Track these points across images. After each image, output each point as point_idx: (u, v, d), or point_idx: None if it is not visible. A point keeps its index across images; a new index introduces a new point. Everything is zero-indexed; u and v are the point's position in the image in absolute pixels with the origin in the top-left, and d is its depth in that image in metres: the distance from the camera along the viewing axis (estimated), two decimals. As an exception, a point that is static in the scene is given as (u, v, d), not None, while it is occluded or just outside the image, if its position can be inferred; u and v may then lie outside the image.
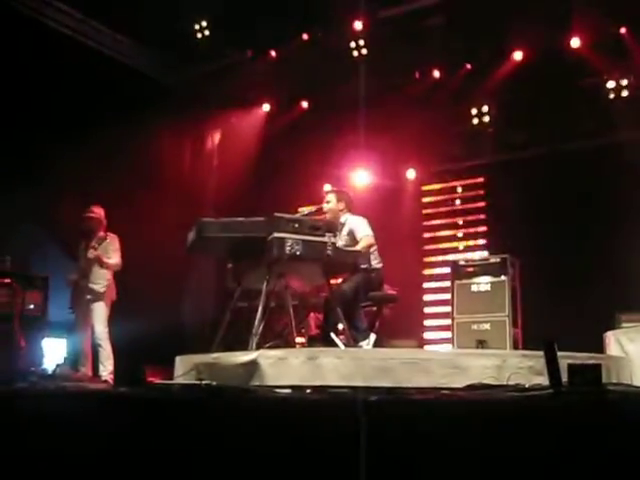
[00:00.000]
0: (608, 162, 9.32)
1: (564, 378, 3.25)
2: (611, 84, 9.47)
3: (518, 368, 4.32)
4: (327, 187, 7.15)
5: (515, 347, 8.30)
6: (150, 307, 9.50)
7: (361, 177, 10.76)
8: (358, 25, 9.81)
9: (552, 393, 3.18)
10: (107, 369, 7.85)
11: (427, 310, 10.65)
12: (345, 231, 6.87)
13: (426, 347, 9.89)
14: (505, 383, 3.83)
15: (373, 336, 6.59)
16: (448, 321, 9.06)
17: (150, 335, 8.65)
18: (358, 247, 6.54)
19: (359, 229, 6.85)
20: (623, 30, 9.16)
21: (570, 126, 9.84)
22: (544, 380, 3.48)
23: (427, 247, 10.97)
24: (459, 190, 10.94)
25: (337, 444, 2.79)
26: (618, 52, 9.22)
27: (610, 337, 7.18)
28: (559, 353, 4.61)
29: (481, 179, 10.77)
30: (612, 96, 9.51)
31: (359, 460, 2.71)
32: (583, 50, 9.30)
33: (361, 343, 6.30)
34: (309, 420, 2.93)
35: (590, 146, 9.71)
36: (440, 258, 10.67)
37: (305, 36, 10.15)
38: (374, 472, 2.71)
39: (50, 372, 7.94)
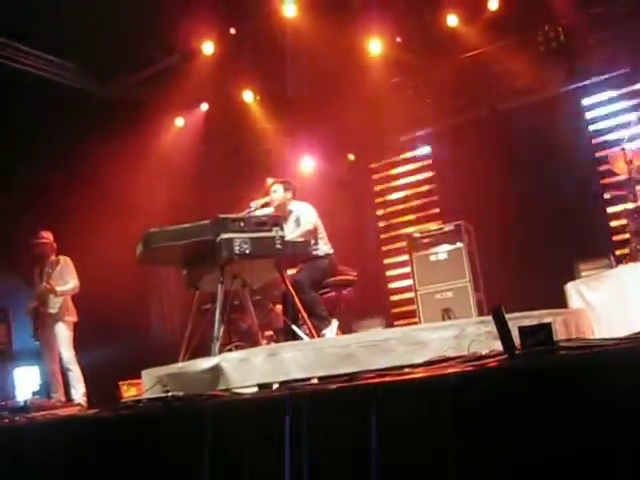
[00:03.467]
0: (548, 115, 9.44)
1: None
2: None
3: (477, 335, 4.34)
4: (270, 180, 7.12)
5: (480, 311, 8.38)
6: (117, 323, 9.43)
7: (307, 164, 10.75)
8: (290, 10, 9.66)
9: (505, 358, 3.20)
10: (79, 392, 7.83)
11: (391, 286, 10.69)
12: (293, 219, 6.90)
13: (395, 323, 9.95)
14: (463, 353, 3.86)
15: (335, 322, 6.60)
16: (412, 294, 9.10)
17: (121, 351, 8.62)
18: (299, 232, 6.60)
19: (304, 216, 6.89)
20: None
21: (507, 85, 9.91)
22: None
23: (382, 224, 11.00)
24: (406, 164, 10.97)
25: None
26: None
27: (570, 289, 7.25)
28: (516, 314, 4.67)
29: (426, 149, 10.80)
30: (542, 49, 9.61)
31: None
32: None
33: (324, 331, 6.30)
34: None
35: (530, 102, 9.81)
36: (395, 233, 10.69)
37: (233, 30, 10.06)
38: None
39: (22, 404, 7.87)
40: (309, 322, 5.95)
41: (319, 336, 6.10)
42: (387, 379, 3.25)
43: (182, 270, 6.19)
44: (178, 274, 8.93)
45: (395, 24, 9.94)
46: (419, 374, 3.27)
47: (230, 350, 5.12)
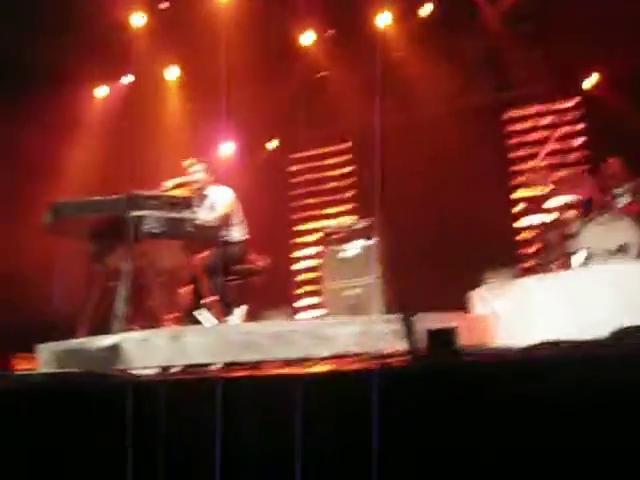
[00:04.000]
0: (470, 124, 9.59)
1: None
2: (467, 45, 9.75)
3: (383, 333, 4.36)
4: (190, 160, 7.00)
5: (388, 310, 8.41)
6: (18, 295, 9.14)
7: (227, 148, 10.62)
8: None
9: (409, 358, 3.23)
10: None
11: (299, 278, 10.67)
12: (208, 203, 6.79)
13: (298, 316, 9.92)
14: (368, 350, 3.88)
15: (243, 308, 6.55)
16: (320, 288, 9.09)
17: (16, 322, 8.34)
18: (214, 216, 6.52)
19: (220, 201, 6.80)
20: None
21: (431, 91, 10.03)
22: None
23: (297, 215, 10.97)
24: (327, 157, 10.97)
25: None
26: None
27: (475, 295, 7.38)
28: (423, 316, 4.71)
29: (348, 144, 10.82)
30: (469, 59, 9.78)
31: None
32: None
33: (228, 317, 6.25)
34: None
35: (452, 109, 9.95)
36: (310, 226, 10.67)
37: (165, 4, 9.86)
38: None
39: None
40: (216, 307, 5.89)
41: (222, 322, 6.04)
42: (294, 371, 3.23)
43: (89, 244, 6.04)
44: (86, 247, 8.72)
45: (328, 17, 9.93)
46: (319, 368, 3.25)
47: (132, 329, 4.99)
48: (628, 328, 3.30)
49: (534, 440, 2.47)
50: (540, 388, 2.50)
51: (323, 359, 3.78)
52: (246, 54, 9.90)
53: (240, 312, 6.48)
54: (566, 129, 9.44)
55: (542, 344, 3.30)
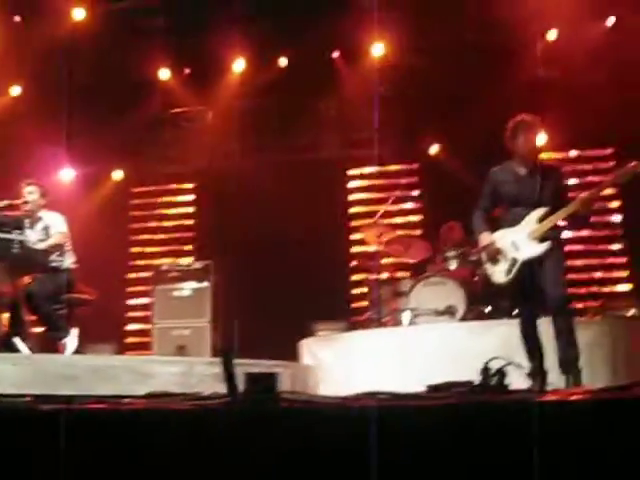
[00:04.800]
0: (315, 176, 9.78)
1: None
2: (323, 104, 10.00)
3: (204, 375, 4.33)
4: (26, 182, 6.78)
5: (215, 354, 8.33)
6: None
7: (66, 174, 10.28)
8: (79, 14, 9.31)
9: (227, 402, 3.19)
10: None
11: (130, 314, 10.39)
12: (40, 227, 6.60)
13: (127, 353, 9.64)
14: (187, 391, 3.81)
15: (75, 330, 6.34)
16: (150, 326, 8.90)
17: None
18: (48, 242, 6.36)
19: (55, 226, 6.64)
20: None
21: (285, 138, 10.17)
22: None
23: (133, 250, 10.72)
24: (170, 194, 10.85)
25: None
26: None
27: (304, 345, 7.48)
28: (248, 361, 4.70)
29: (191, 185, 10.76)
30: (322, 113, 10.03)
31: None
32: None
33: (64, 341, 6.04)
34: None
35: (301, 160, 10.13)
36: (145, 262, 10.45)
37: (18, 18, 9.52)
38: None
39: None
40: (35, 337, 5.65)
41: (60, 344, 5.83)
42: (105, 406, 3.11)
43: None
44: None
45: (187, 55, 9.94)
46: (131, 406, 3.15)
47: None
48: (445, 383, 3.41)
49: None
50: (348, 435, 2.55)
51: (139, 397, 3.66)
52: (97, 80, 9.75)
53: (75, 332, 6.28)
54: (404, 192, 9.81)
55: (360, 395, 3.36)
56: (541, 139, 5.39)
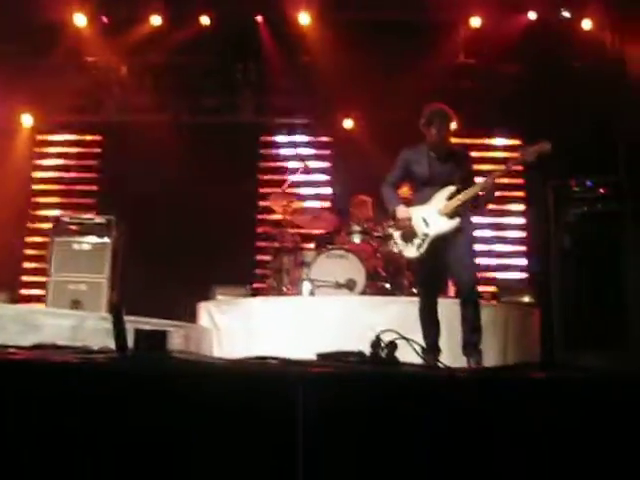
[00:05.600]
0: (229, 140, 9.70)
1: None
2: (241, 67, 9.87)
3: (95, 330, 4.25)
4: None
5: (110, 310, 8.19)
6: None
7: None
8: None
9: (113, 357, 3.14)
10: None
11: (26, 265, 10.08)
12: None
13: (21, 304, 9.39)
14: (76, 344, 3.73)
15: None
16: (46, 279, 8.65)
17: None
18: None
19: None
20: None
21: (199, 99, 10.03)
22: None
23: (35, 199, 10.38)
24: (77, 146, 10.54)
25: None
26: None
27: (202, 308, 7.45)
28: (140, 319, 4.64)
29: (99, 137, 10.46)
30: (239, 77, 9.90)
31: None
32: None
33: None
34: None
35: (213, 122, 10.02)
36: (46, 212, 10.13)
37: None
38: None
39: None
40: None
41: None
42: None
43: None
44: None
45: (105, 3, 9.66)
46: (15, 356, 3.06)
47: None
48: (335, 353, 3.44)
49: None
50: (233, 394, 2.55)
51: (24, 348, 3.56)
52: (7, 20, 9.36)
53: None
54: (316, 163, 9.84)
55: (250, 358, 3.36)
56: (453, 128, 5.49)
